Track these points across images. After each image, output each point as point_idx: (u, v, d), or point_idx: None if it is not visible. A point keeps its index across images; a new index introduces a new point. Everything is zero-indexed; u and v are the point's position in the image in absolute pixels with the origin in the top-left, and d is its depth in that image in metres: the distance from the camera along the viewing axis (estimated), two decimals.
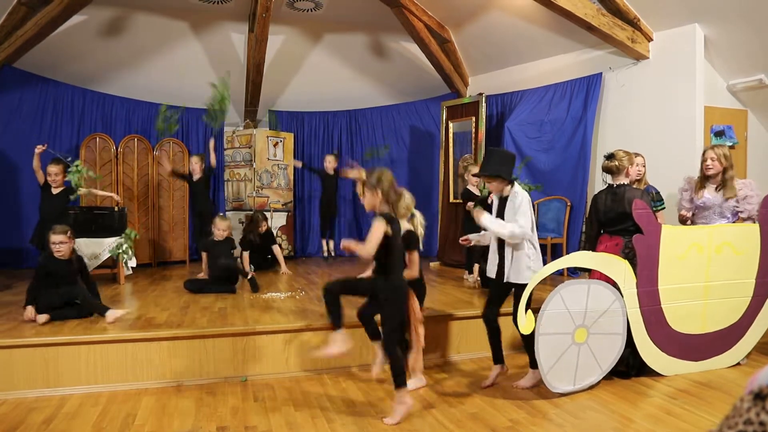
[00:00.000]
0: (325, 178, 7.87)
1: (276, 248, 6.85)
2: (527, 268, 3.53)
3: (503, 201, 3.66)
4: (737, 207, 4.20)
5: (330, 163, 7.89)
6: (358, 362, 4.11)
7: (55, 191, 5.23)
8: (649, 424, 3.06)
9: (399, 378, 3.13)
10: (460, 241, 4.02)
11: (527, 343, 3.63)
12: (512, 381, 3.77)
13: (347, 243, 3.12)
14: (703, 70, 5.85)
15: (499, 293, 3.71)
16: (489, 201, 5.13)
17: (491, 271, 3.73)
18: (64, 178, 5.26)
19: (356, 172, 3.24)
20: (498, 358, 3.79)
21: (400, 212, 3.46)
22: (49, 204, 5.22)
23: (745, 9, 5.25)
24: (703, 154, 4.34)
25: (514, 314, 3.64)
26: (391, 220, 3.11)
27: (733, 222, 4.24)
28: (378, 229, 3.04)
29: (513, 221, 3.50)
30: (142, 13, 7.41)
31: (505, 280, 3.59)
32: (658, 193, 4.86)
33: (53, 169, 5.24)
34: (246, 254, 6.48)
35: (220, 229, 5.79)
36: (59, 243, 4.26)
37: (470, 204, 3.94)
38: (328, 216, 7.81)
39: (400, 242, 3.22)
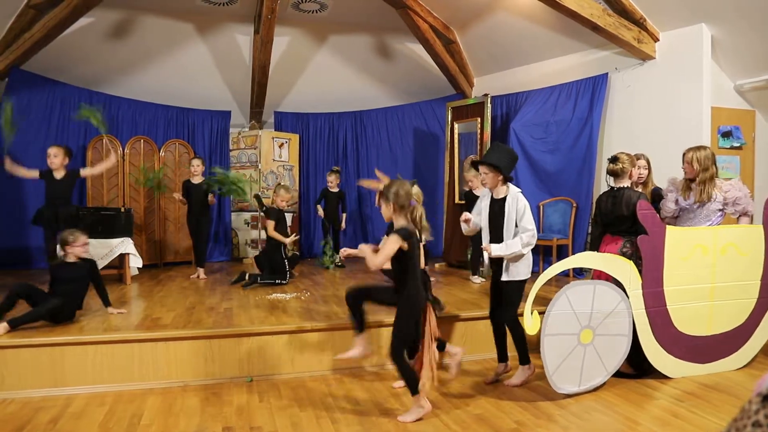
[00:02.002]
0: (327, 196, 7.69)
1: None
2: (523, 266, 3.55)
3: (496, 202, 3.63)
4: (726, 208, 4.16)
5: (333, 181, 7.68)
6: (363, 363, 4.11)
7: (57, 175, 5.23)
8: (656, 427, 3.05)
9: (412, 386, 3.13)
10: (461, 220, 3.92)
11: (517, 339, 3.64)
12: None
13: (350, 251, 3.20)
14: (710, 70, 5.82)
15: (497, 292, 3.73)
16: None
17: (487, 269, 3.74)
18: (64, 162, 5.27)
19: (374, 183, 3.25)
20: (503, 356, 3.80)
21: (419, 222, 3.44)
22: (55, 188, 5.23)
23: (752, 9, 5.22)
24: (683, 156, 4.26)
25: (504, 314, 3.64)
26: (409, 236, 3.09)
27: (719, 223, 4.19)
28: (391, 245, 3.05)
29: (513, 227, 3.51)
30: (148, 16, 7.45)
31: (502, 279, 3.59)
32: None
33: (51, 150, 5.26)
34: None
35: (284, 200, 6.25)
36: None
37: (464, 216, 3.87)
38: (331, 232, 7.75)
39: (416, 256, 3.18)
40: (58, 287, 4.09)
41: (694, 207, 4.19)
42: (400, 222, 3.17)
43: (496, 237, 3.61)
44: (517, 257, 3.53)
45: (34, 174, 5.29)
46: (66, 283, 4.10)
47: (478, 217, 3.81)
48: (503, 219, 3.56)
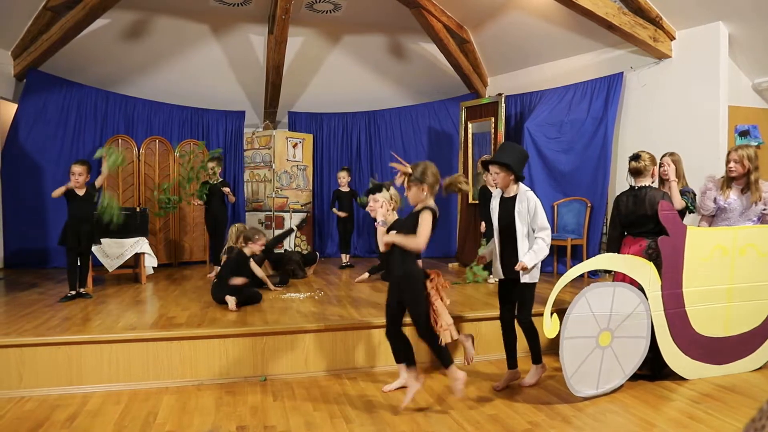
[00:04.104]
0: (340, 197, 7.65)
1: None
2: (535, 267, 3.49)
3: (507, 201, 3.58)
4: (765, 210, 4.10)
5: (343, 179, 7.63)
6: (376, 363, 4.11)
7: (80, 192, 5.19)
8: (672, 429, 3.02)
9: (444, 357, 3.18)
10: (477, 261, 3.99)
11: (533, 339, 3.62)
12: (540, 383, 3.76)
13: (391, 238, 3.17)
14: (727, 68, 5.76)
15: (510, 293, 3.68)
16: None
17: (499, 273, 3.68)
18: (87, 179, 5.24)
19: (401, 166, 3.23)
20: (512, 362, 3.75)
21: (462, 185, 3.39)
22: (78, 206, 5.16)
23: None
24: (727, 155, 4.21)
25: (523, 315, 3.61)
26: (436, 214, 3.15)
27: (758, 223, 4.14)
28: (428, 223, 3.09)
29: (529, 223, 3.47)
30: (163, 17, 7.51)
31: (522, 281, 3.52)
32: (695, 195, 4.69)
33: (77, 168, 5.16)
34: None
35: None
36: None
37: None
38: (345, 233, 7.75)
39: None
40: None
41: (734, 206, 4.14)
42: (429, 202, 3.18)
43: (507, 236, 3.56)
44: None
45: (62, 191, 5.10)
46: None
47: (487, 249, 3.84)
48: (514, 218, 3.52)
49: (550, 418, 3.19)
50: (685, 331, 3.76)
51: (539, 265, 3.54)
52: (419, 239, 3.09)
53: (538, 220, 3.45)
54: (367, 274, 6.42)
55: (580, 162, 6.75)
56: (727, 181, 4.22)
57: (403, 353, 3.40)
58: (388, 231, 3.52)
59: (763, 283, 3.95)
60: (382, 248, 3.31)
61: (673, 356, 3.74)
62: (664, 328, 3.70)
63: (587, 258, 5.64)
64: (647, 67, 6.32)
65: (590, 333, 3.47)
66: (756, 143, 5.97)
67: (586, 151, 6.68)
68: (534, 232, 3.48)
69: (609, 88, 6.58)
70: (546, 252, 3.44)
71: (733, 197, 4.17)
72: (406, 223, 3.25)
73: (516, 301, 3.67)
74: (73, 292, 5.04)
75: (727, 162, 4.18)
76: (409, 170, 3.18)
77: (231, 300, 4.66)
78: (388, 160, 9.08)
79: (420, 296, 3.24)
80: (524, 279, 3.51)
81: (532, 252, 3.43)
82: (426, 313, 3.23)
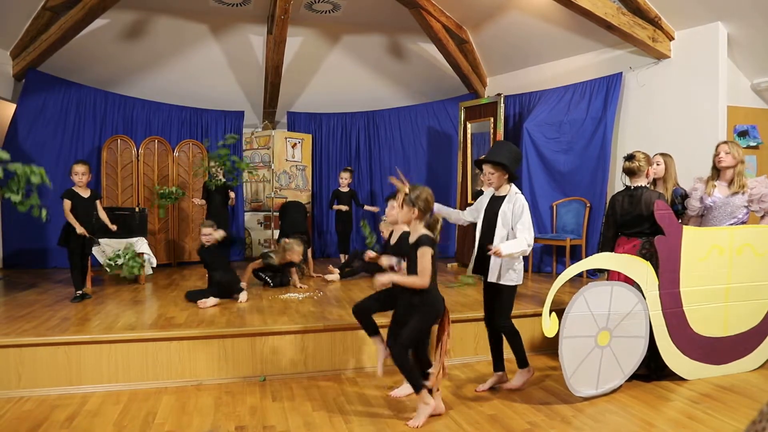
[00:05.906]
0: (339, 197, 7.61)
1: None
2: (513, 270, 3.46)
3: (496, 200, 3.55)
4: (751, 206, 4.10)
5: (344, 179, 7.59)
6: (375, 363, 4.10)
7: (84, 194, 5.16)
8: (671, 429, 3.02)
9: (416, 384, 3.12)
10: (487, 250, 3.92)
11: (515, 345, 3.58)
12: (538, 383, 3.76)
13: (391, 279, 3.12)
14: (726, 69, 5.76)
15: (489, 297, 3.65)
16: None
17: (470, 269, 3.65)
18: (89, 179, 5.23)
19: (400, 183, 3.20)
20: (498, 365, 3.72)
21: (437, 232, 3.30)
22: (82, 207, 5.15)
23: None
24: (717, 147, 4.21)
25: (496, 316, 3.58)
26: (434, 243, 3.09)
27: (745, 221, 4.14)
28: (429, 258, 3.03)
29: (511, 225, 3.44)
30: (162, 17, 7.50)
31: (489, 280, 3.50)
32: (685, 196, 4.68)
33: (80, 168, 5.14)
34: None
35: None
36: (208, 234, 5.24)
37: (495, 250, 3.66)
38: (344, 234, 7.72)
39: (436, 263, 3.16)
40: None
41: (719, 203, 4.14)
42: (419, 229, 3.13)
43: (488, 235, 3.51)
44: (511, 261, 3.43)
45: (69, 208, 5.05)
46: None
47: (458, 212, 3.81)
48: (497, 217, 3.48)
49: (549, 418, 3.20)
50: (683, 331, 3.77)
51: (519, 269, 3.49)
52: (423, 278, 3.02)
53: (521, 222, 3.40)
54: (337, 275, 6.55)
55: (580, 162, 6.75)
56: (715, 174, 4.22)
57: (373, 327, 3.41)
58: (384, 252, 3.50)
59: (760, 282, 3.96)
60: (378, 286, 3.23)
61: (672, 356, 3.75)
62: (662, 327, 3.70)
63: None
64: (646, 68, 6.33)
65: (589, 332, 3.47)
66: (755, 143, 5.98)
67: (585, 151, 6.68)
68: (515, 236, 3.41)
69: (608, 88, 6.58)
70: (523, 249, 3.35)
71: (717, 195, 4.16)
72: (404, 251, 3.20)
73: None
74: (80, 292, 5.03)
75: (716, 153, 4.18)
76: (407, 190, 3.16)
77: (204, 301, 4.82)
78: (387, 160, 9.18)
79: (427, 324, 3.21)
80: (497, 279, 3.46)
81: (510, 242, 3.35)
82: (418, 339, 3.22)
